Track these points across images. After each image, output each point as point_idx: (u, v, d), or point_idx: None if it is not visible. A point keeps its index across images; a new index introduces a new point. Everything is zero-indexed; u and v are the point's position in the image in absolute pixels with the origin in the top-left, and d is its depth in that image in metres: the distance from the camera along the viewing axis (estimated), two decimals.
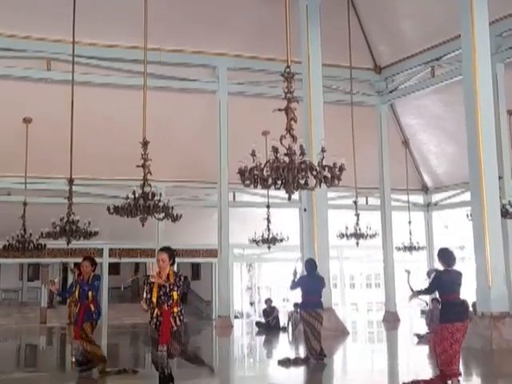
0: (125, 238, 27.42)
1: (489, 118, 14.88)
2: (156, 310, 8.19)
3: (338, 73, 22.16)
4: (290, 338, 18.92)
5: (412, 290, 9.26)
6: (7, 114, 20.46)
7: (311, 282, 12.30)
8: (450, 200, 27.52)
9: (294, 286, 12.68)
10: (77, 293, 10.96)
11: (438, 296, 9.14)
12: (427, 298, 14.97)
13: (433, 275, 8.96)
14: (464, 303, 8.86)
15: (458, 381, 8.45)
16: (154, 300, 8.18)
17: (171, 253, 8.46)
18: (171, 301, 8.22)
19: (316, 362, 11.87)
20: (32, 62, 19.91)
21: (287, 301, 32.72)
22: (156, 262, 8.37)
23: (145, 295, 8.30)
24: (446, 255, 8.87)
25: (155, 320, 8.20)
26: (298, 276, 12.65)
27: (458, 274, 8.80)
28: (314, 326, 11.96)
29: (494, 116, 15.28)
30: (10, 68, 19.62)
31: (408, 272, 9.59)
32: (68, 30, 16.80)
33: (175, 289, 8.24)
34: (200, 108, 22.36)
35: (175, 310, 8.25)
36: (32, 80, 20.07)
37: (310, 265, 12.52)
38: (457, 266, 8.91)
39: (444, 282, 8.71)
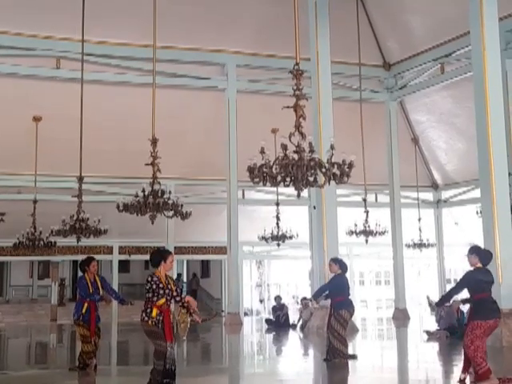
0: (134, 235, 27.51)
1: (499, 115, 14.85)
2: (156, 310, 8.27)
3: (347, 70, 22.13)
4: (300, 335, 18.94)
5: (431, 305, 9.25)
6: (17, 112, 20.53)
7: (346, 280, 12.24)
8: (459, 197, 27.46)
9: (328, 287, 12.57)
10: (90, 291, 11.17)
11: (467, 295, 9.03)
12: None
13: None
14: (496, 302, 8.79)
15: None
16: (164, 300, 8.28)
17: None
18: (170, 301, 8.39)
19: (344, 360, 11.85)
20: (42, 60, 19.93)
21: (297, 298, 32.72)
22: (165, 265, 8.48)
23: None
24: (482, 253, 8.85)
25: (155, 319, 8.29)
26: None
27: (488, 272, 8.78)
28: (348, 324, 12.00)
29: (504, 112, 15.24)
30: (20, 66, 19.65)
31: (428, 299, 9.60)
32: (78, 28, 16.81)
33: (174, 288, 8.45)
34: (209, 105, 22.37)
35: (171, 308, 8.46)
36: (42, 78, 20.10)
37: (344, 264, 12.44)
38: (465, 263, 8.91)
39: (475, 281, 8.67)
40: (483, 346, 8.53)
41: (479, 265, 8.77)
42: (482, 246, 10.62)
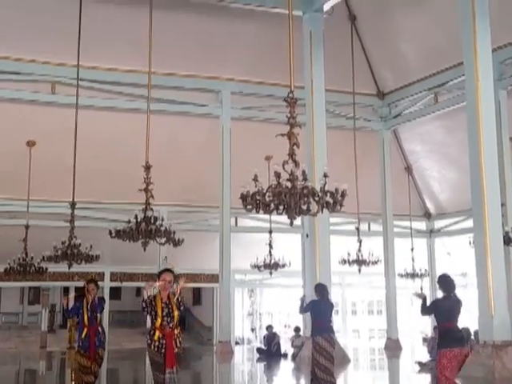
0: (126, 262, 27.35)
1: (491, 145, 14.86)
2: (158, 333, 8.09)
3: (341, 98, 22.22)
4: (292, 365, 18.80)
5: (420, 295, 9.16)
6: (11, 136, 20.48)
7: (324, 306, 12.12)
8: (452, 227, 27.44)
9: (304, 309, 12.61)
10: (86, 317, 10.86)
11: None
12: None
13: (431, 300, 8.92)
14: (462, 331, 8.76)
15: None
16: (160, 320, 8.10)
17: (174, 274, 8.47)
18: (173, 322, 8.16)
19: None
20: (36, 85, 19.93)
21: (289, 327, 32.55)
22: (159, 283, 8.28)
23: (145, 300, 8.21)
24: (444, 282, 8.83)
25: (157, 343, 8.09)
26: (306, 301, 12.52)
27: (457, 302, 8.72)
28: (328, 351, 11.78)
29: (497, 143, 15.26)
30: (14, 91, 19.63)
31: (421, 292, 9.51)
32: (72, 53, 16.87)
33: (177, 308, 8.18)
34: (203, 132, 22.38)
35: (176, 331, 8.20)
36: (36, 103, 20.09)
37: (323, 289, 12.33)
38: (459, 294, 8.85)
39: (441, 310, 8.65)
40: (453, 376, 8.47)
41: (445, 294, 8.77)
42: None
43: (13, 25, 18.72)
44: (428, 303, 8.94)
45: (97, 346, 10.82)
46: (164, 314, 8.11)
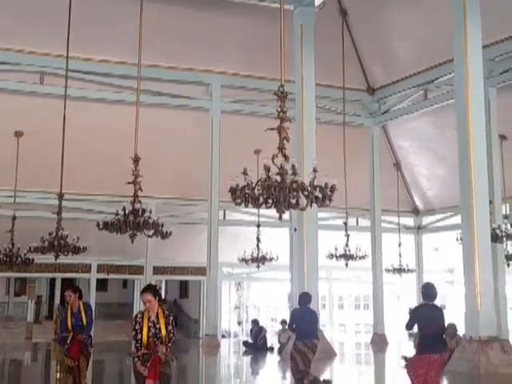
0: (113, 254, 27.26)
1: (480, 142, 14.92)
2: (143, 349, 7.80)
3: (331, 93, 22.21)
4: (278, 358, 18.82)
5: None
6: None
7: (305, 312, 12.19)
8: (440, 223, 27.52)
9: (289, 323, 12.68)
10: (69, 323, 10.48)
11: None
12: None
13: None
14: (442, 336, 8.80)
15: None
16: (145, 339, 7.78)
17: (155, 291, 7.96)
18: (160, 340, 7.83)
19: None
20: (25, 75, 19.83)
21: (275, 321, 32.58)
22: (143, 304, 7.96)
23: (133, 345, 7.93)
24: (425, 289, 8.89)
25: (142, 356, 7.79)
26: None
27: (435, 309, 8.76)
28: (305, 355, 11.82)
29: (486, 140, 15.31)
30: (3, 81, 19.50)
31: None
32: (62, 44, 16.77)
33: (165, 327, 7.80)
34: (192, 125, 22.33)
35: (163, 347, 7.84)
36: (24, 93, 19.98)
37: (302, 298, 12.44)
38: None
39: (419, 317, 8.72)
40: (429, 377, 8.49)
41: (424, 301, 8.82)
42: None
43: (4, 14, 18.60)
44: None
45: (82, 348, 10.44)
46: (150, 334, 7.81)
